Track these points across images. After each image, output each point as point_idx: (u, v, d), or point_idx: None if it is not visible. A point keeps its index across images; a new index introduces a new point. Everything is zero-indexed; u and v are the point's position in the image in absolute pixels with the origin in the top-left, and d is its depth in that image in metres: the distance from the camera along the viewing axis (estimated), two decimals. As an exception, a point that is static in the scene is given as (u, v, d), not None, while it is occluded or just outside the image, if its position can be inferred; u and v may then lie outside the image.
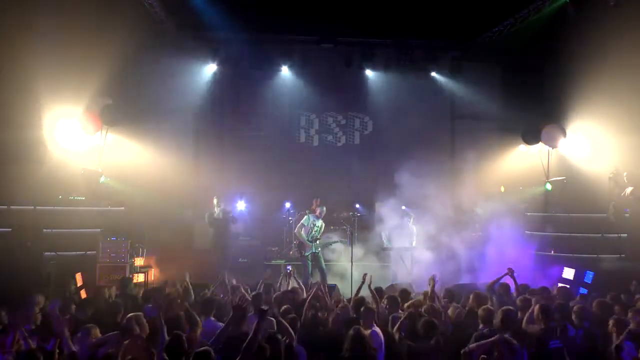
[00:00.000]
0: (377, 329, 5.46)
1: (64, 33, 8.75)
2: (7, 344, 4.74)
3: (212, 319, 5.77)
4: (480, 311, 5.68)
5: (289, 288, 7.57)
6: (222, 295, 7.22)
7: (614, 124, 10.15)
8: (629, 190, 10.01)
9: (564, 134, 11.66)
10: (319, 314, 6.03)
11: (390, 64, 13.38)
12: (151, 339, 4.64)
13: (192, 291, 7.10)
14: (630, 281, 8.23)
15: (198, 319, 5.25)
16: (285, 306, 6.06)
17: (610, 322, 5.49)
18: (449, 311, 6.38)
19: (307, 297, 6.48)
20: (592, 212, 10.84)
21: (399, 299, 6.54)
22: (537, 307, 5.62)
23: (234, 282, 7.58)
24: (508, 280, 7.16)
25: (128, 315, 5.06)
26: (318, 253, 10.14)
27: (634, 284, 8.10)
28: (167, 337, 4.51)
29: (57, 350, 4.48)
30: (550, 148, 12.19)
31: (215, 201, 10.90)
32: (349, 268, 9.80)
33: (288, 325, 5.19)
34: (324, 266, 10.15)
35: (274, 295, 6.96)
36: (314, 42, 13.33)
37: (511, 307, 5.66)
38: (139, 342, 4.52)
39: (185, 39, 12.62)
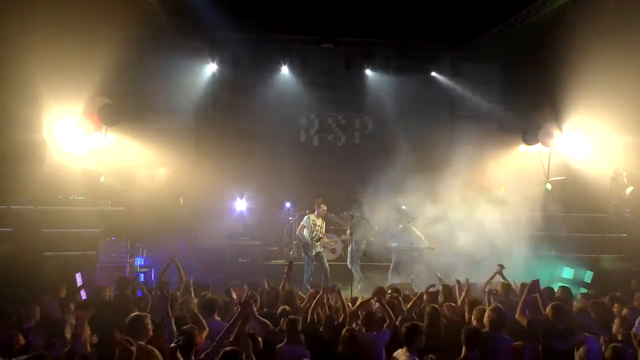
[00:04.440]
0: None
1: (64, 33, 8.71)
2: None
3: (217, 318, 5.68)
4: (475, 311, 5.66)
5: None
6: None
7: (614, 123, 10.16)
8: (629, 190, 10.03)
9: (560, 131, 11.66)
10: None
11: (390, 64, 13.38)
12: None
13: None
14: (630, 281, 8.25)
15: (204, 321, 5.17)
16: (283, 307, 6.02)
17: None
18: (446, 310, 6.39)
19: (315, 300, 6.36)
20: (592, 212, 10.83)
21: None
22: (549, 306, 5.60)
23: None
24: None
25: (133, 314, 5.01)
26: (321, 252, 10.14)
27: (634, 284, 8.12)
28: (174, 330, 4.55)
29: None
30: (548, 147, 12.19)
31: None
32: (348, 268, 9.79)
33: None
34: (326, 266, 10.15)
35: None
36: (314, 42, 13.32)
37: (500, 305, 5.60)
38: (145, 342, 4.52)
39: (185, 39, 12.61)
